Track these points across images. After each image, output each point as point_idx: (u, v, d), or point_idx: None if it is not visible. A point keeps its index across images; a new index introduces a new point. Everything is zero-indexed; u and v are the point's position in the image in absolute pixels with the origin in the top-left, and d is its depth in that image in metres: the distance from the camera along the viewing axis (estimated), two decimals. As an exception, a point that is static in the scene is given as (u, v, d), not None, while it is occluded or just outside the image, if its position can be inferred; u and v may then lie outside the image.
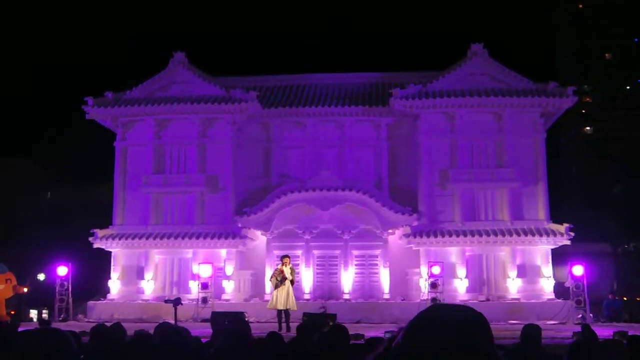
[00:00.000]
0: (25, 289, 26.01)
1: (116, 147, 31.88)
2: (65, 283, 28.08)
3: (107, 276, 30.94)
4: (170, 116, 31.40)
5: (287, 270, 21.36)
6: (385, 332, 13.01)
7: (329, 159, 31.71)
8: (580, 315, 25.42)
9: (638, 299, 47.37)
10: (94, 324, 9.59)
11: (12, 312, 25.45)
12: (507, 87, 30.57)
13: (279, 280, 21.22)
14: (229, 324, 16.71)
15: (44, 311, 39.86)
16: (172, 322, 15.40)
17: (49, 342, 3.08)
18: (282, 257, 22.11)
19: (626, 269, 50.79)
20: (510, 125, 30.27)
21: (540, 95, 30.09)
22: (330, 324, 17.66)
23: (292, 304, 21.27)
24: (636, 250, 56.67)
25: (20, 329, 13.34)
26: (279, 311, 21.27)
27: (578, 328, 19.06)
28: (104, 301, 30.01)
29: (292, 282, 21.50)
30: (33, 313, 41.31)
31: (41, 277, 43.31)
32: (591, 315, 26.42)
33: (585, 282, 26.02)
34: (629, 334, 13.85)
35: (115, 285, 30.40)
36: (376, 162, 31.72)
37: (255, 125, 32.15)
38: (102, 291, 31.49)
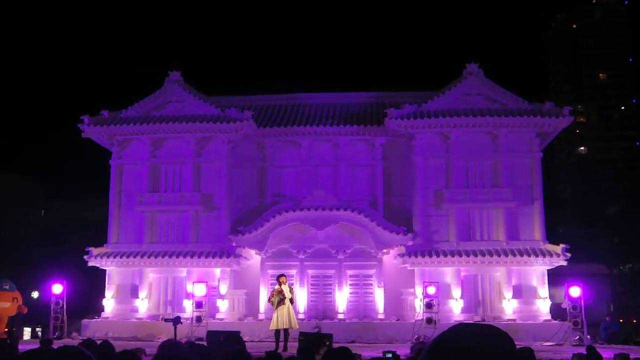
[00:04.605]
0: (26, 310, 25.93)
1: (112, 166, 31.84)
2: (60, 301, 27.86)
3: (102, 294, 30.78)
4: (166, 135, 31.37)
5: (285, 289, 21.19)
6: (384, 352, 12.89)
7: (324, 178, 31.70)
8: (577, 337, 25.16)
9: (634, 320, 47.17)
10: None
11: (6, 330, 25.16)
12: (502, 107, 30.61)
13: (279, 300, 21.05)
14: (225, 342, 16.57)
15: (37, 329, 39.61)
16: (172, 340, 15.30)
17: None
18: (279, 277, 21.90)
19: (621, 291, 50.72)
20: (505, 145, 30.28)
21: (535, 115, 30.10)
22: (327, 343, 17.61)
23: (294, 323, 21.13)
24: (631, 271, 56.62)
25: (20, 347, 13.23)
26: (277, 331, 21.12)
27: (576, 350, 19.00)
28: (99, 319, 29.82)
29: (291, 300, 21.35)
30: (27, 331, 41.04)
31: (35, 294, 43.13)
32: (588, 337, 26.20)
33: (582, 303, 25.85)
34: (631, 357, 13.78)
35: (109, 303, 30.25)
36: (371, 181, 31.68)
37: (250, 145, 32.13)
38: (97, 309, 31.31)
